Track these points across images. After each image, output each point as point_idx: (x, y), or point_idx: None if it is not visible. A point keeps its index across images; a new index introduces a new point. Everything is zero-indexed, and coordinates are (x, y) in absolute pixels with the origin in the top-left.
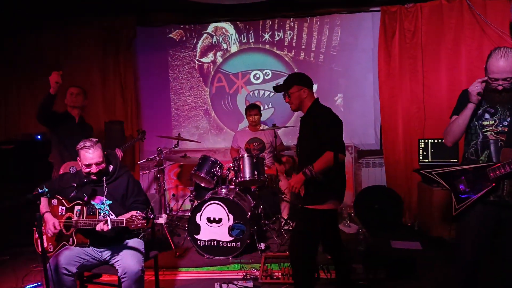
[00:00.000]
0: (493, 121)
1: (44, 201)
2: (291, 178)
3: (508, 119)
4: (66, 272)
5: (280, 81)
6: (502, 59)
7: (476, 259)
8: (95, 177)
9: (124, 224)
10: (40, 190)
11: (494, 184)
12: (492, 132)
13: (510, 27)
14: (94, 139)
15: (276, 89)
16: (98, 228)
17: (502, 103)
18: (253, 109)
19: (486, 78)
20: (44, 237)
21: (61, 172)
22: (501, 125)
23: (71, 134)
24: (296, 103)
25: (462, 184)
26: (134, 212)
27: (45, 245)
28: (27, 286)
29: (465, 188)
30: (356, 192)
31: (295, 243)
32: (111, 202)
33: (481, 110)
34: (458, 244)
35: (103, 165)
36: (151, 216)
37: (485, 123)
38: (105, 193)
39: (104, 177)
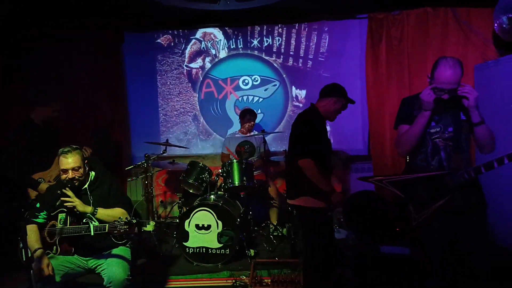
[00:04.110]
0: (439, 128)
1: (34, 232)
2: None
3: (452, 125)
4: (50, 281)
5: (269, 87)
6: (451, 70)
7: (443, 266)
8: (76, 183)
9: (107, 230)
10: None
11: (452, 193)
12: (440, 139)
13: (493, 35)
14: (74, 146)
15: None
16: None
17: (445, 111)
18: (254, 116)
19: (434, 85)
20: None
21: None
22: (447, 132)
23: (39, 142)
24: None
25: (420, 193)
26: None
27: (29, 254)
28: None
29: (424, 197)
30: (345, 198)
31: None
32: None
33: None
34: (424, 254)
35: (81, 171)
36: (134, 220)
37: (432, 130)
38: (91, 201)
39: (87, 185)
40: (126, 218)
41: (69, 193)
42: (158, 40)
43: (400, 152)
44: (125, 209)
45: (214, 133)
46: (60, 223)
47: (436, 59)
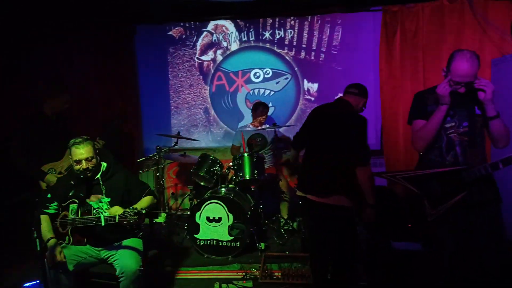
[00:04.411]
0: (454, 123)
1: (46, 222)
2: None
3: (467, 119)
4: (63, 270)
5: (281, 80)
6: (467, 63)
7: (455, 263)
8: (89, 174)
9: (117, 221)
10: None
11: (469, 188)
12: (455, 134)
13: (511, 28)
14: (85, 136)
15: None
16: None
17: (460, 105)
18: (266, 109)
19: (450, 78)
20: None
21: None
22: (462, 127)
23: (49, 134)
24: None
25: (435, 188)
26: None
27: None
28: (26, 285)
29: (439, 192)
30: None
31: None
32: (109, 199)
33: None
34: (438, 251)
35: (94, 161)
36: (143, 211)
37: (447, 125)
38: (104, 191)
39: (100, 175)
40: (135, 209)
41: (114, 209)
42: (170, 33)
43: (418, 147)
44: (150, 195)
45: (225, 126)
46: (71, 213)
47: (452, 52)
